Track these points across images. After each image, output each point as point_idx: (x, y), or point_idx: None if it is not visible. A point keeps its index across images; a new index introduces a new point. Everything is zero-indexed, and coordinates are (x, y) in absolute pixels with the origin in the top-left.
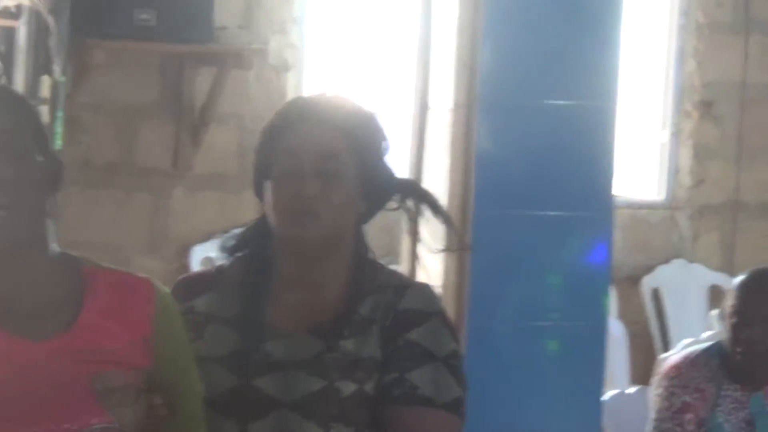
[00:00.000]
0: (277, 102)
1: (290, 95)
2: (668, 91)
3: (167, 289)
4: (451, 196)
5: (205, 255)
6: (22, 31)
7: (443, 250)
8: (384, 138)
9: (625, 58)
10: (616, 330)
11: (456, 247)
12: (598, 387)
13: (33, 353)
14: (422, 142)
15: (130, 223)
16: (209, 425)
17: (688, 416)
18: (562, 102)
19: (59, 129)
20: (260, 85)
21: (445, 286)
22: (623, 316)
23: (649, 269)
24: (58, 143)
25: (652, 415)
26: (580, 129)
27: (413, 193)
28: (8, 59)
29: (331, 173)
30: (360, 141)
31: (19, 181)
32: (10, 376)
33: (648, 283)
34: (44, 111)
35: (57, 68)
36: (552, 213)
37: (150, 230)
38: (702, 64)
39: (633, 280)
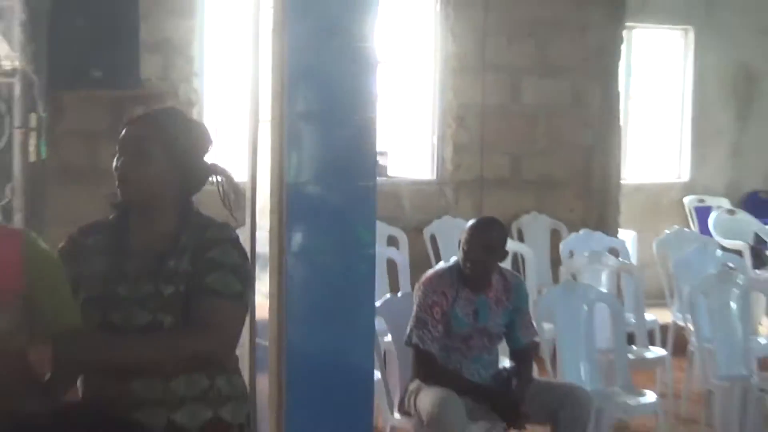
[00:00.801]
0: None
1: None
2: (435, 111)
3: (36, 235)
4: (273, 177)
5: None
6: (17, 85)
7: (229, 212)
8: (200, 138)
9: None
10: (404, 262)
11: (235, 210)
12: (372, 294)
13: None
14: (256, 145)
15: (94, 209)
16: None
17: (436, 309)
18: (333, 115)
19: (44, 147)
20: None
21: (271, 232)
22: (412, 252)
23: (428, 222)
24: (44, 156)
25: (414, 310)
26: (355, 133)
27: (219, 173)
28: (9, 104)
29: (140, 152)
30: (170, 135)
31: None
32: None
33: (428, 231)
34: (33, 137)
35: (40, 108)
36: (344, 185)
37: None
38: (456, 93)
39: (418, 230)
